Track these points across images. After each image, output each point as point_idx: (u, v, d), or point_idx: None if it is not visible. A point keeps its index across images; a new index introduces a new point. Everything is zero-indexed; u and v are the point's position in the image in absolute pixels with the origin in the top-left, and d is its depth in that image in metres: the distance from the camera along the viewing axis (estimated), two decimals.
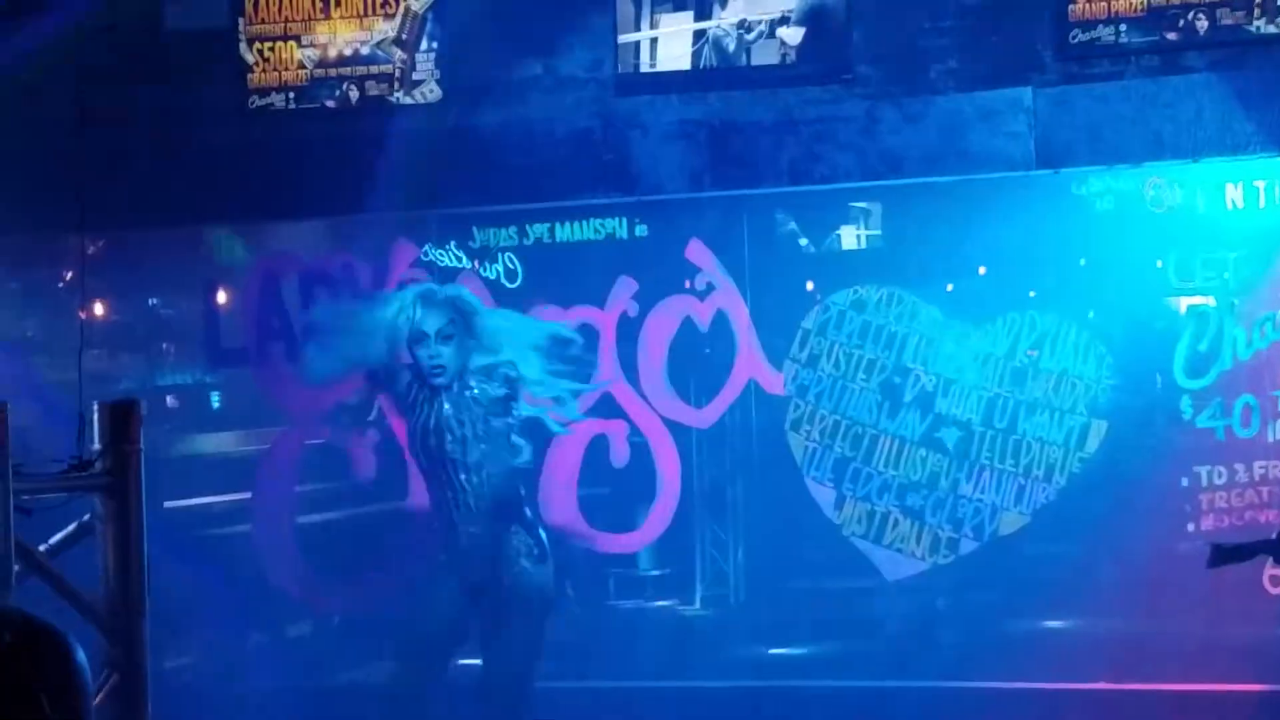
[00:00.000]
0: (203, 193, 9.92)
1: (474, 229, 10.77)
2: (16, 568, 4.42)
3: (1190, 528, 9.70)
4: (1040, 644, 9.89)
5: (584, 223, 10.72)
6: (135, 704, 4.82)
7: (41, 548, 4.70)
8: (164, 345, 11.95)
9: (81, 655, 1.70)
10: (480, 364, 7.34)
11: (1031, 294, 10.32)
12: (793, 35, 9.29)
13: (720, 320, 10.20)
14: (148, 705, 4.86)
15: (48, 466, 4.78)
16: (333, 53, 9.86)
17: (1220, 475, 9.65)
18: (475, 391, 7.26)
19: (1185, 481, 9.72)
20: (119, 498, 4.72)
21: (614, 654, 10.72)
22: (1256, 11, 8.53)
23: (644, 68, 9.48)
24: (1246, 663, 9.11)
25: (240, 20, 9.91)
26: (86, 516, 4.79)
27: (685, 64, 9.41)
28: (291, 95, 9.89)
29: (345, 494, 10.96)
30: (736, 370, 10.25)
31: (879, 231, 11.47)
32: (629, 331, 10.31)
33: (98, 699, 4.62)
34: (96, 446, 4.74)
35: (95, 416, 4.77)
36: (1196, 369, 9.70)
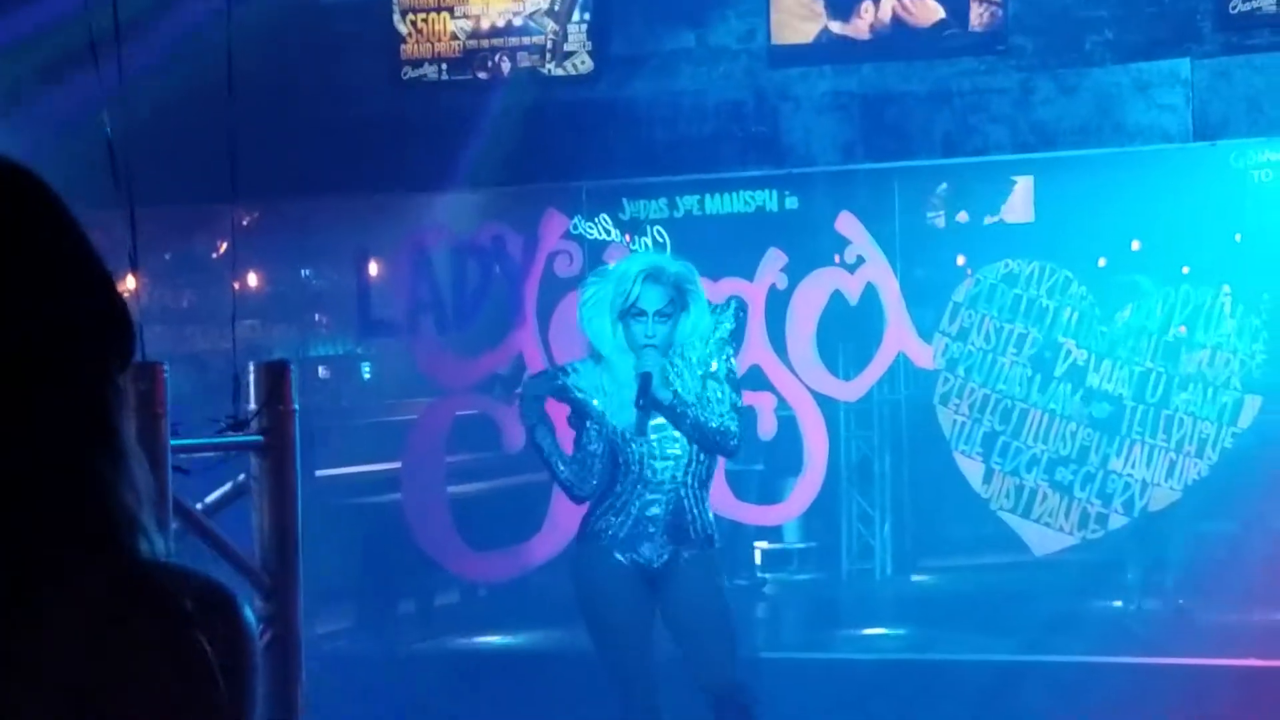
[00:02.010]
0: (355, 163, 10.05)
1: (624, 201, 10.81)
2: (175, 525, 4.50)
3: None
4: (1189, 620, 9.81)
5: (733, 195, 10.73)
6: (290, 660, 4.89)
7: (198, 506, 4.78)
8: (316, 316, 12.09)
9: (254, 624, 1.65)
10: (687, 342, 7.03)
11: (1186, 269, 10.21)
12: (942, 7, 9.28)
13: (869, 293, 10.15)
14: (301, 661, 4.94)
15: (203, 427, 4.87)
16: (485, 24, 9.94)
17: None
18: (681, 370, 6.95)
19: None
20: (274, 457, 4.79)
21: (759, 626, 10.76)
22: None
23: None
24: None
25: None
26: (242, 476, 4.87)
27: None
28: (444, 66, 9.98)
29: (495, 465, 11.05)
30: (886, 343, 10.21)
31: (1031, 204, 11.40)
32: (778, 303, 10.30)
33: None
34: (252, 407, 4.82)
35: (251, 377, 4.86)
36: None
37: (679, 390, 6.78)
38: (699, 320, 6.87)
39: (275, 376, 4.88)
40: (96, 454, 1.58)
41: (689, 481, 6.95)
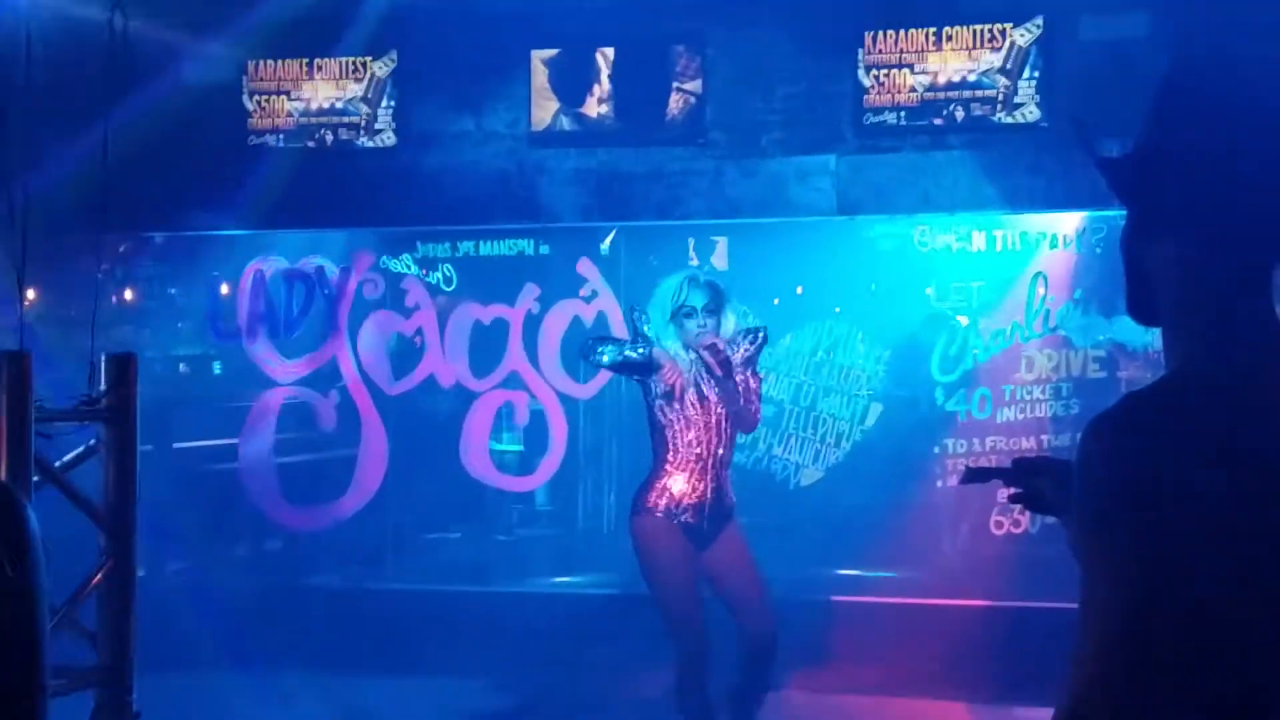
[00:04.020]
0: (211, 206, 9.96)
1: (418, 244, 10.84)
2: (36, 478, 4.50)
3: (939, 484, 9.92)
4: (829, 572, 10.03)
5: (501, 242, 10.80)
6: (126, 584, 4.90)
7: (57, 464, 4.78)
8: (179, 324, 11.89)
9: (32, 514, 1.59)
10: (728, 334, 6.84)
11: (835, 309, 10.50)
12: (664, 107, 9.43)
13: (600, 319, 10.28)
14: (135, 584, 4.95)
15: (66, 404, 4.86)
16: (314, 105, 9.92)
17: (961, 446, 9.87)
18: (725, 357, 6.73)
19: (936, 450, 9.94)
20: (118, 427, 4.81)
21: (513, 568, 10.80)
22: (999, 105, 8.75)
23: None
24: (973, 584, 9.32)
25: (243, 77, 9.97)
26: (93, 440, 4.87)
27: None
28: (281, 137, 9.94)
29: (312, 440, 10.98)
30: None
31: (724, 257, 11.60)
32: (532, 325, 10.39)
33: (96, 579, 4.70)
34: (102, 388, 4.83)
35: (103, 366, 4.86)
36: (947, 367, 9.90)
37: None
38: (729, 319, 6.71)
39: (122, 366, 4.89)
40: None
41: (719, 459, 6.74)
